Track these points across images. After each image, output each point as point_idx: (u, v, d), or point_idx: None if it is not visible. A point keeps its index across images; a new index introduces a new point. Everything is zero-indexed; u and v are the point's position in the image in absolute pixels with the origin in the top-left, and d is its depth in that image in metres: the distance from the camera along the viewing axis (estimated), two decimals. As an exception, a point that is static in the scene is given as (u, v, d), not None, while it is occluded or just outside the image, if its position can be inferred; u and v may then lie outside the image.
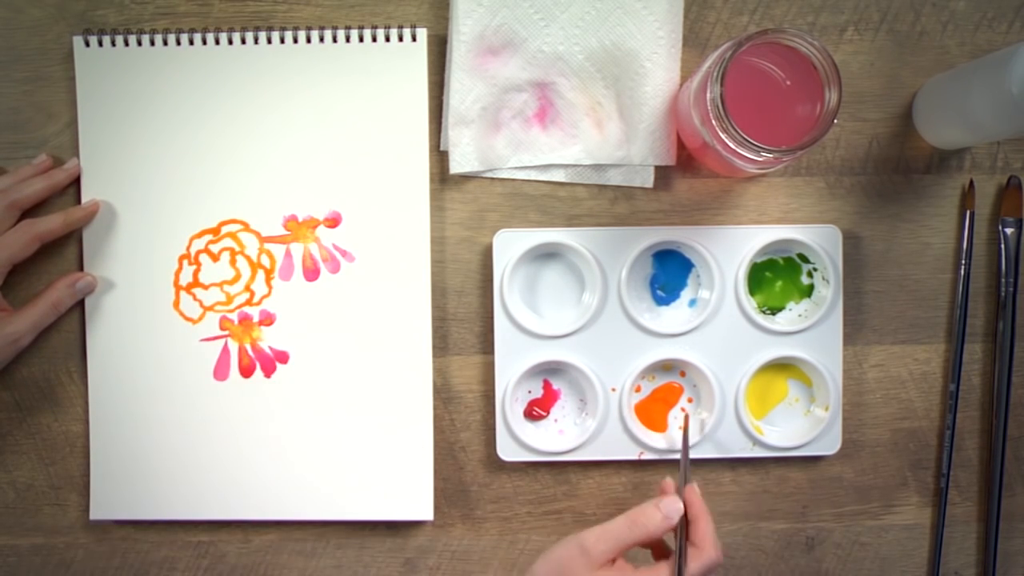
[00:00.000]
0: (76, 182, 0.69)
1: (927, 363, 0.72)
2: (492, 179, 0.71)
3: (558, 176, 0.70)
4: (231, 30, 0.69)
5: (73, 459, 0.71)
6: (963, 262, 0.71)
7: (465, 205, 0.71)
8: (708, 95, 0.59)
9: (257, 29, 0.69)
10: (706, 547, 0.61)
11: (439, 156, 0.70)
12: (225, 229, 0.70)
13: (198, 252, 0.70)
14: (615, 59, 0.68)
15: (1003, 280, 0.70)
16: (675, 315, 0.71)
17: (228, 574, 0.72)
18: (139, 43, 0.69)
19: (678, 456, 0.70)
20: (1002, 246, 0.71)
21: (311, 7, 0.70)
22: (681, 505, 0.61)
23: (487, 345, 0.71)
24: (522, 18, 0.68)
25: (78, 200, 0.70)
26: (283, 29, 0.69)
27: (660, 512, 0.61)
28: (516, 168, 0.70)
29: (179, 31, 0.69)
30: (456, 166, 0.69)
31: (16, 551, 0.72)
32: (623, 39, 0.68)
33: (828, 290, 0.69)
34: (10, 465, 0.71)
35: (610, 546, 0.60)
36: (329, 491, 0.70)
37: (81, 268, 0.70)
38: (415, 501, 0.70)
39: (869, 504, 0.72)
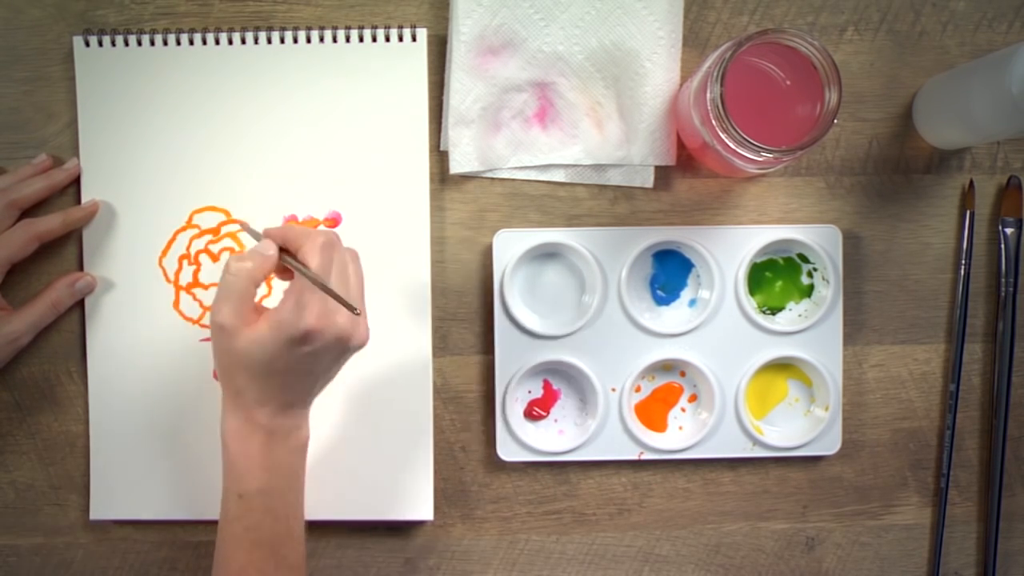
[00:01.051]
0: (76, 182, 0.69)
1: (927, 363, 0.72)
2: (492, 179, 0.71)
3: (558, 176, 0.70)
4: (231, 30, 0.69)
5: (73, 459, 0.71)
6: (963, 262, 0.71)
7: (465, 205, 0.71)
8: (708, 95, 0.59)
9: (257, 29, 0.69)
10: (306, 240, 0.58)
11: (439, 156, 0.70)
12: (225, 229, 0.70)
13: (198, 252, 0.70)
14: (615, 59, 0.68)
15: (1003, 280, 0.70)
16: (675, 315, 0.71)
17: (228, 574, 0.72)
18: (139, 43, 0.69)
19: (679, 456, 0.70)
20: (1002, 246, 0.71)
21: (311, 7, 0.70)
22: (270, 242, 0.58)
23: (487, 345, 0.71)
24: (522, 18, 0.68)
25: (78, 200, 0.69)
26: (283, 29, 0.69)
27: (256, 252, 0.58)
28: (516, 168, 0.70)
29: (179, 31, 0.69)
30: (456, 166, 0.69)
31: (16, 551, 0.72)
32: (623, 39, 0.68)
33: (828, 290, 0.69)
34: (10, 465, 0.71)
35: (236, 305, 0.57)
36: (329, 491, 0.70)
37: (81, 268, 0.70)
38: (415, 501, 0.70)
39: (869, 504, 0.72)
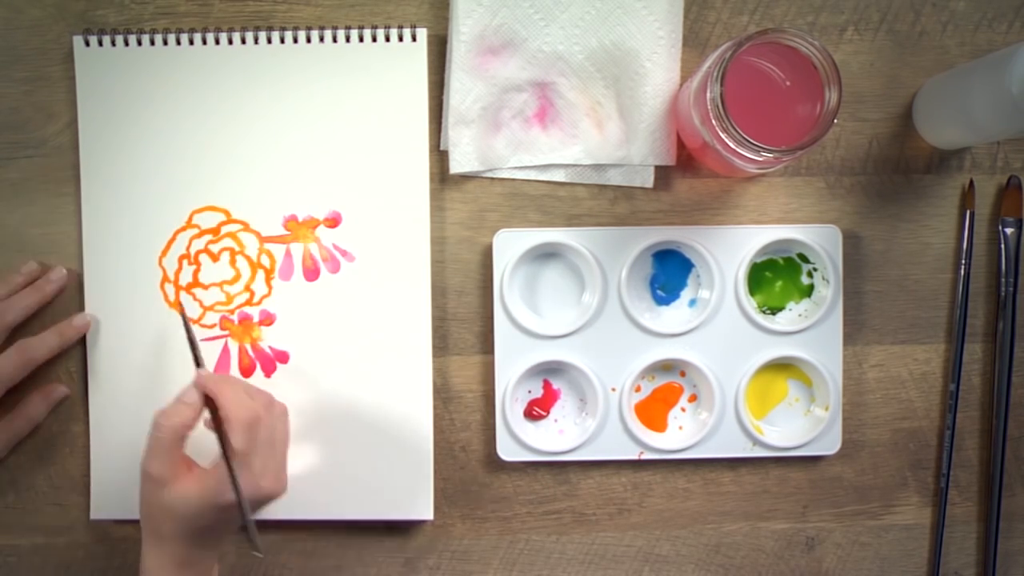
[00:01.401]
0: (75, 186, 0.69)
1: (927, 363, 0.72)
2: (492, 179, 0.71)
3: (558, 176, 0.70)
4: (231, 30, 0.69)
5: (73, 459, 0.71)
6: (963, 262, 0.71)
7: (465, 205, 0.71)
8: (708, 95, 0.59)
9: (257, 29, 0.69)
10: (235, 414, 0.61)
11: (439, 156, 0.70)
12: (225, 229, 0.70)
13: (198, 252, 0.70)
14: (615, 59, 0.68)
15: (1003, 280, 0.70)
16: (675, 315, 0.71)
17: (228, 574, 0.72)
18: (139, 43, 0.69)
19: (679, 456, 0.70)
20: (1002, 246, 0.71)
21: (311, 7, 0.70)
22: (195, 391, 0.62)
23: (487, 345, 0.71)
24: (522, 18, 0.68)
25: (78, 200, 0.69)
26: (283, 29, 0.69)
27: (182, 404, 0.61)
28: (516, 168, 0.70)
29: (179, 31, 0.69)
30: (456, 166, 0.69)
31: (16, 551, 0.72)
32: (623, 39, 0.68)
33: (828, 290, 0.69)
34: (10, 465, 0.71)
35: (164, 459, 0.60)
36: (329, 491, 0.70)
37: (80, 268, 0.70)
38: (415, 501, 0.70)
39: (869, 504, 0.72)
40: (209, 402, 0.62)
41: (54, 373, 0.70)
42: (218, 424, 0.61)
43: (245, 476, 0.60)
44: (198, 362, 0.64)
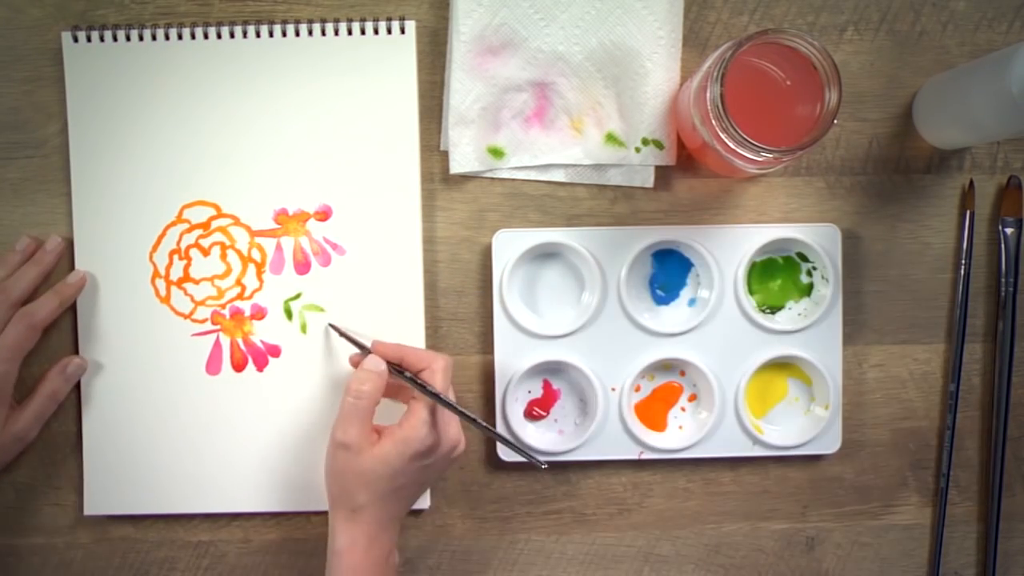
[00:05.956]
0: (66, 167, 0.69)
1: (927, 363, 0.72)
2: (492, 179, 0.71)
3: (558, 176, 0.70)
4: (220, 24, 0.69)
5: (73, 459, 0.71)
6: (963, 262, 0.71)
7: (465, 205, 0.71)
8: (708, 95, 0.59)
9: (245, 23, 0.69)
10: (430, 362, 0.63)
11: (439, 155, 0.70)
12: (215, 223, 0.70)
13: (188, 247, 0.70)
14: (615, 59, 0.68)
15: (1003, 280, 0.70)
16: (675, 314, 0.71)
17: (228, 574, 0.72)
18: (127, 38, 0.68)
19: (679, 455, 0.70)
20: (1002, 246, 0.71)
21: (311, 7, 0.70)
22: (379, 359, 0.64)
23: (487, 345, 0.71)
24: (522, 18, 0.68)
25: (69, 194, 0.69)
26: (271, 23, 0.69)
27: (371, 371, 0.63)
28: (516, 168, 0.70)
29: (167, 26, 0.68)
30: (456, 166, 0.69)
31: (16, 551, 0.72)
32: (623, 39, 0.68)
33: (827, 289, 0.69)
34: (10, 465, 0.71)
35: (359, 427, 0.61)
36: (321, 485, 0.70)
37: (72, 266, 0.69)
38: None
39: (869, 504, 0.72)
40: (392, 366, 0.64)
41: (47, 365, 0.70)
42: (416, 375, 0.63)
43: (439, 423, 0.62)
44: (361, 345, 0.66)
